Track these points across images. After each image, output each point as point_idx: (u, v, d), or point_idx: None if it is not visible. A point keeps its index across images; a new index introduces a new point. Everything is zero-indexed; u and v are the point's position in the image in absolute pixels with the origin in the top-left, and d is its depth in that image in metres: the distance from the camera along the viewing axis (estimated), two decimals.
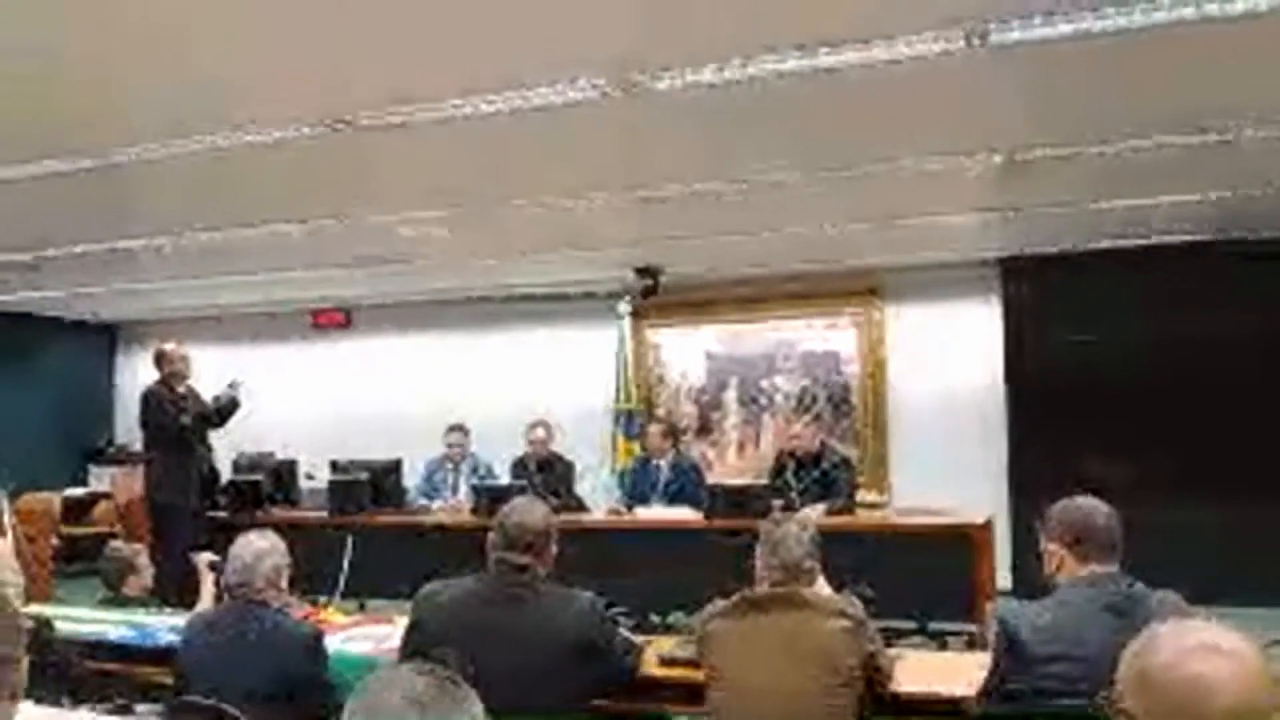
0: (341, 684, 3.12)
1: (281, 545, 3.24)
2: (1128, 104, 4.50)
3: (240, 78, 3.87)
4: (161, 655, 3.70)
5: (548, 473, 7.32)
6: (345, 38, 3.49)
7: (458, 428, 7.71)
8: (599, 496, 7.79)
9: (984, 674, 2.74)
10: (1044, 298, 8.12)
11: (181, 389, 7.10)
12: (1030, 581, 2.83)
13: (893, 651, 3.14)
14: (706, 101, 4.11)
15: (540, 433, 7.49)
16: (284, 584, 3.22)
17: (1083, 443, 7.61)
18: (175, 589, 4.90)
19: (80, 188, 5.35)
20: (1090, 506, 2.81)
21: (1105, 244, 7.63)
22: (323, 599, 5.69)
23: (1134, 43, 3.54)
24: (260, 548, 3.19)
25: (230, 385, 7.17)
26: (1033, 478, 7.73)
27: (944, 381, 8.61)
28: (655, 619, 6.32)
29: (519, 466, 7.48)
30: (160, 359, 7.13)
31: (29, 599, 4.72)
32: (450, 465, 7.67)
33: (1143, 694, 1.56)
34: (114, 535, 8.03)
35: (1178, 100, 4.44)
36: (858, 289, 8.88)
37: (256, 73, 3.83)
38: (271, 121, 4.36)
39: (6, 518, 5.45)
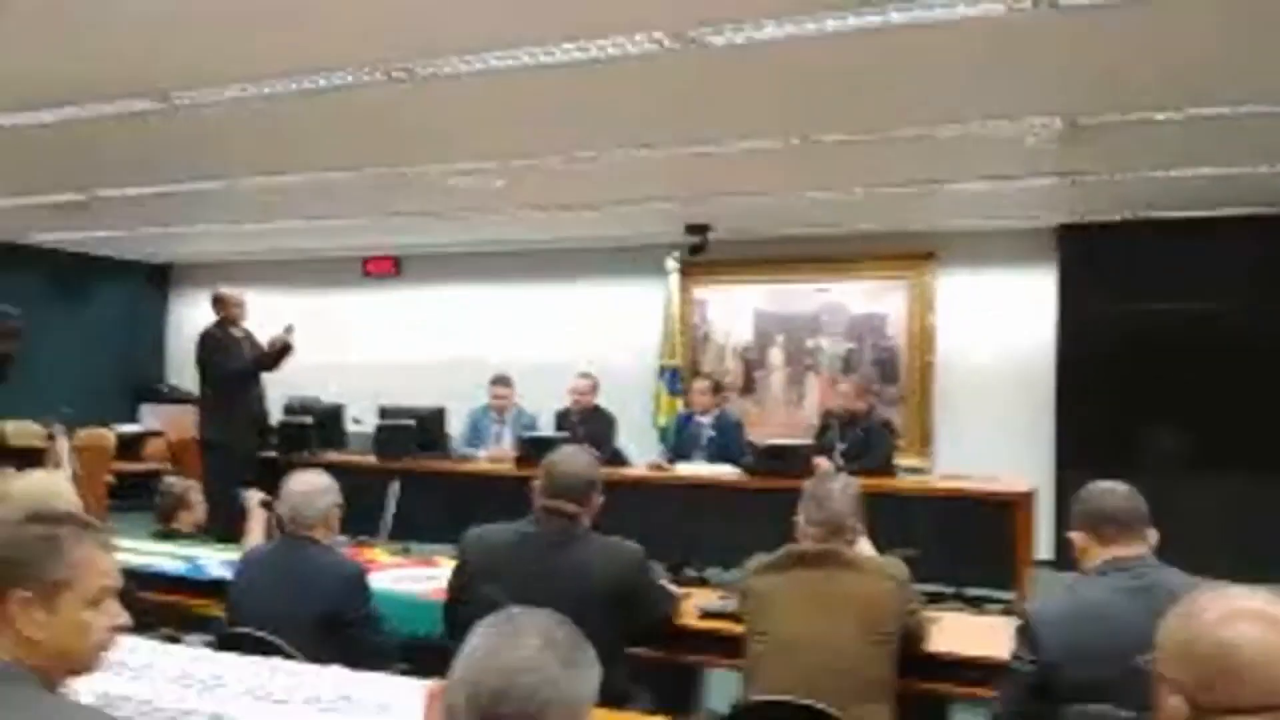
0: (386, 621, 3.19)
1: (335, 485, 3.29)
2: (1194, 72, 4.40)
3: (301, 23, 3.89)
4: (210, 588, 3.79)
5: (590, 425, 7.36)
6: None
7: (503, 379, 7.74)
8: (640, 450, 7.82)
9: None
10: (1099, 266, 7.97)
11: (238, 332, 7.25)
12: (1072, 554, 2.74)
13: (929, 613, 3.15)
14: (764, 58, 4.08)
15: (585, 383, 7.53)
16: (335, 523, 3.27)
17: (1133, 414, 7.53)
18: (225, 525, 5.00)
19: (137, 129, 5.41)
20: (1106, 487, 2.67)
21: (1163, 214, 7.50)
22: (369, 540, 5.78)
23: (1200, 9, 3.46)
24: (315, 484, 3.24)
25: (285, 330, 7.27)
26: (1080, 448, 7.66)
27: (993, 349, 8.52)
28: (692, 573, 6.37)
29: (563, 418, 7.53)
30: (218, 302, 7.27)
31: None
32: (494, 416, 7.72)
33: (1185, 660, 1.55)
34: (165, 472, 8.18)
35: (1245, 70, 4.34)
36: (910, 253, 8.76)
37: (318, 18, 3.84)
38: (330, 69, 4.38)
39: (66, 451, 5.58)
